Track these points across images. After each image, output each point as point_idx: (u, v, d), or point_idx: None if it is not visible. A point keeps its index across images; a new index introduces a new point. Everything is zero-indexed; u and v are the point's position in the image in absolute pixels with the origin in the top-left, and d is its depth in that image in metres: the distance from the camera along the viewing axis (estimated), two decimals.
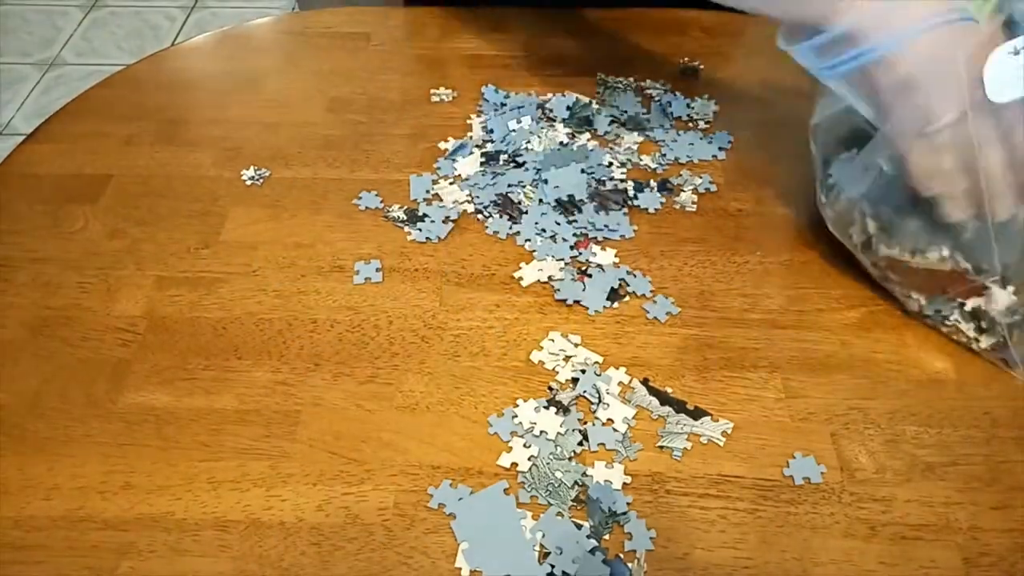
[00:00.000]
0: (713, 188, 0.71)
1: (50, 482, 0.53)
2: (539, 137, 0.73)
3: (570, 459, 0.53)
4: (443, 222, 0.68)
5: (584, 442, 0.54)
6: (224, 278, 0.65)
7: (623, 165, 0.73)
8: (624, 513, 0.50)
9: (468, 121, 0.77)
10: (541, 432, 0.54)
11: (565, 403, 0.56)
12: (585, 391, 0.56)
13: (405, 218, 0.69)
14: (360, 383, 0.58)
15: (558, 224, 0.67)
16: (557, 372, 0.58)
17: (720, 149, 0.75)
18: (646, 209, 0.69)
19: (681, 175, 0.72)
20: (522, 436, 0.54)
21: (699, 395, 0.57)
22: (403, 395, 0.57)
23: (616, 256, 0.66)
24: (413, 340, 0.61)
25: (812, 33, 0.56)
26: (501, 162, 0.72)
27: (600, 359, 0.59)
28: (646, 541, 0.49)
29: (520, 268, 0.65)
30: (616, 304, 0.62)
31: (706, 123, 0.77)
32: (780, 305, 0.63)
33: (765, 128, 0.77)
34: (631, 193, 0.70)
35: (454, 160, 0.73)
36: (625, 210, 0.69)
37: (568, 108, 0.76)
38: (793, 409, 0.56)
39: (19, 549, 0.50)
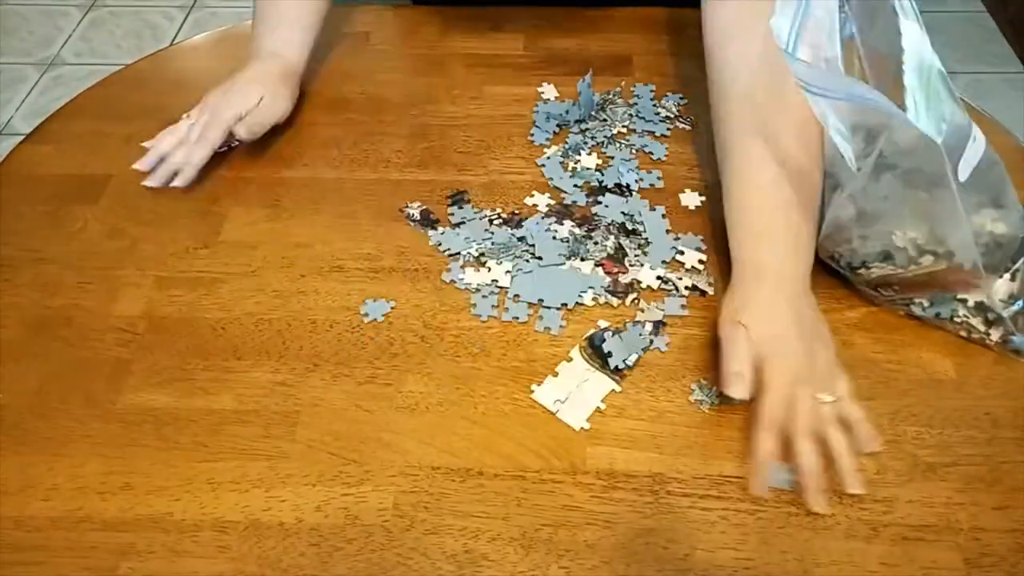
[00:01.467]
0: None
1: (50, 482, 0.53)
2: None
3: None
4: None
5: None
6: (223, 278, 0.65)
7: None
8: None
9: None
10: None
11: None
12: None
13: (419, 218, 0.69)
14: (359, 383, 0.58)
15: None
16: None
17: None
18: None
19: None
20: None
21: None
22: (403, 395, 0.57)
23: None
24: (413, 340, 0.60)
25: None
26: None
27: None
28: None
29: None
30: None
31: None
32: None
33: None
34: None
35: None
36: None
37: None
38: None
39: (19, 550, 0.50)
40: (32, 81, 1.92)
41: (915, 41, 0.52)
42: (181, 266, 0.66)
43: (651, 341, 0.60)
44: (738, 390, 0.52)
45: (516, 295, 0.62)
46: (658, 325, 0.61)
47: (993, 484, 0.52)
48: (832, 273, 0.63)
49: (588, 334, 0.60)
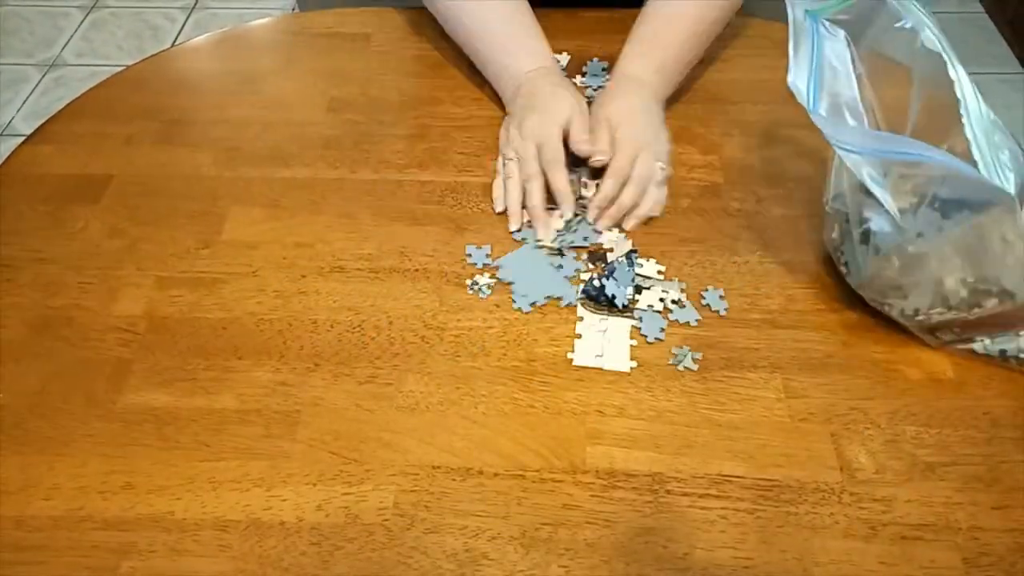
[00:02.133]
0: None
1: (50, 482, 0.53)
2: None
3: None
4: None
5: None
6: (224, 278, 0.65)
7: None
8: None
9: None
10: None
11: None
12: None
13: (490, 291, 0.64)
14: (360, 383, 0.58)
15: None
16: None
17: None
18: None
19: None
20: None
21: (700, 395, 0.57)
22: (403, 395, 0.57)
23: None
24: (413, 340, 0.61)
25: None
26: None
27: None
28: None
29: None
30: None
31: None
32: (780, 305, 0.63)
33: (765, 128, 0.77)
34: None
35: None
36: None
37: None
38: (793, 409, 0.56)
39: (20, 549, 0.50)
40: (33, 82, 1.92)
41: (968, 90, 0.51)
42: (182, 266, 0.66)
43: (631, 269, 0.64)
44: (599, 158, 0.67)
45: (510, 283, 0.64)
46: (631, 254, 0.65)
47: (992, 484, 0.53)
48: (832, 274, 0.64)
49: (581, 290, 0.63)
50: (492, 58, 0.76)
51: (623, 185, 0.67)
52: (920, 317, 0.58)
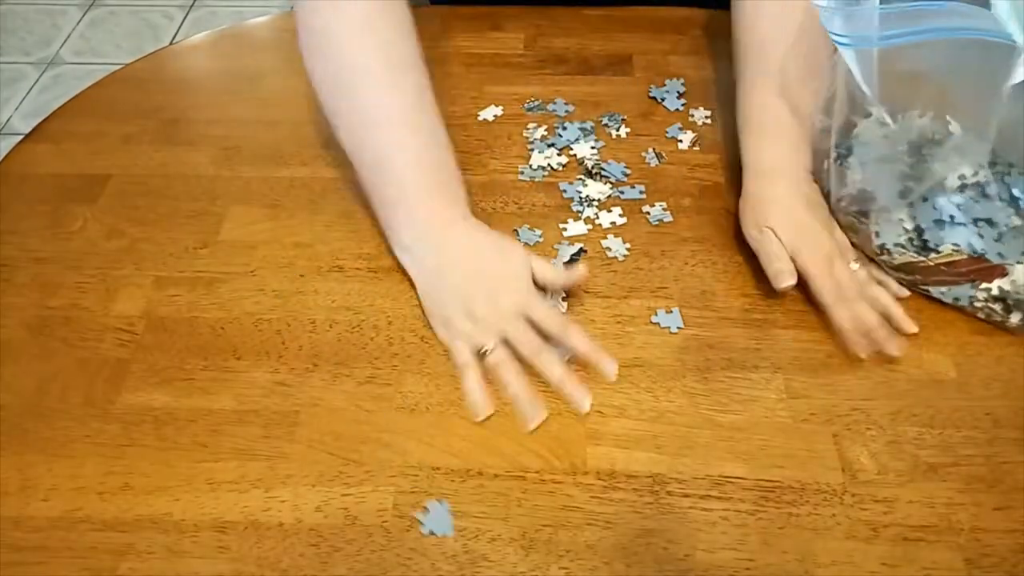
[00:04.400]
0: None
1: (49, 483, 0.53)
2: None
3: None
4: None
5: None
6: (223, 278, 0.65)
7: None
8: None
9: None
10: None
11: None
12: None
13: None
14: (359, 383, 0.58)
15: None
16: None
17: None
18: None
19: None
20: None
21: (701, 395, 0.57)
22: (402, 396, 0.57)
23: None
24: (413, 340, 0.60)
25: None
26: None
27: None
28: None
29: None
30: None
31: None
32: (781, 305, 0.63)
33: None
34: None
35: None
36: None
37: None
38: (795, 410, 0.56)
39: (18, 550, 0.50)
40: (31, 80, 1.92)
41: None
42: (180, 266, 0.65)
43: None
44: (787, 281, 0.59)
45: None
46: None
47: (994, 484, 0.52)
48: None
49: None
50: (399, 196, 0.62)
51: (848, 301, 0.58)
52: (884, 257, 0.61)
